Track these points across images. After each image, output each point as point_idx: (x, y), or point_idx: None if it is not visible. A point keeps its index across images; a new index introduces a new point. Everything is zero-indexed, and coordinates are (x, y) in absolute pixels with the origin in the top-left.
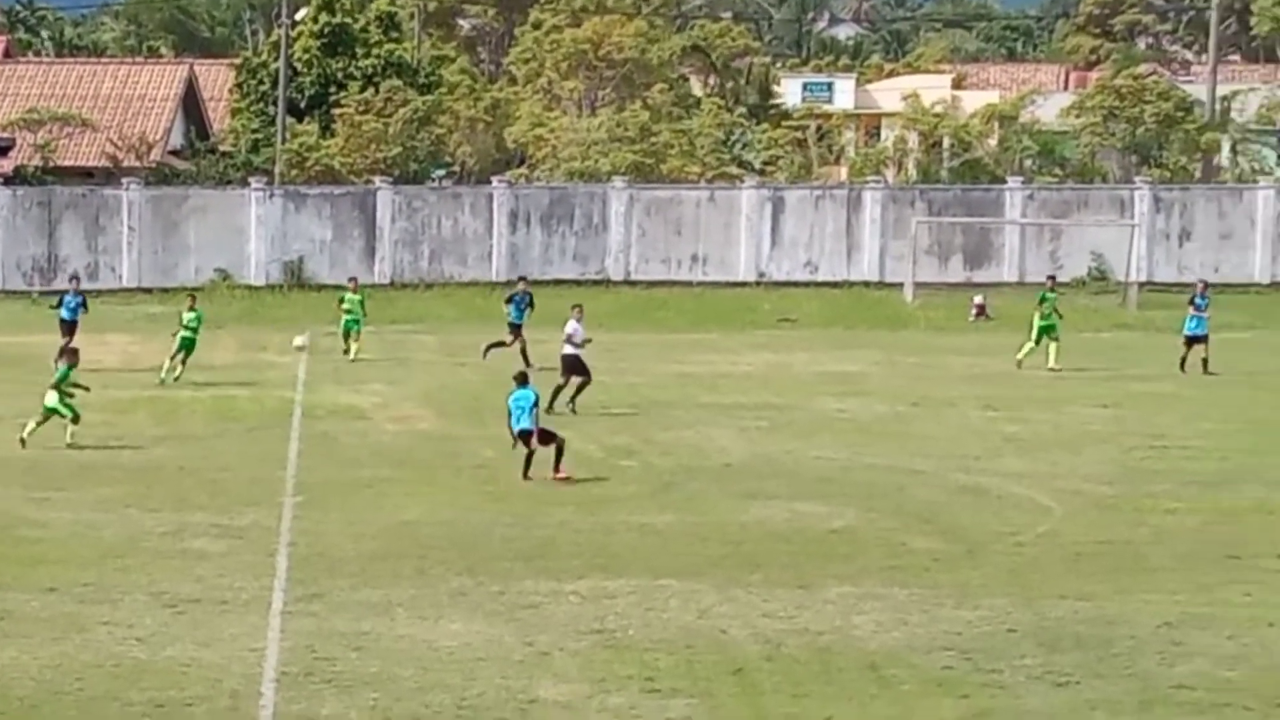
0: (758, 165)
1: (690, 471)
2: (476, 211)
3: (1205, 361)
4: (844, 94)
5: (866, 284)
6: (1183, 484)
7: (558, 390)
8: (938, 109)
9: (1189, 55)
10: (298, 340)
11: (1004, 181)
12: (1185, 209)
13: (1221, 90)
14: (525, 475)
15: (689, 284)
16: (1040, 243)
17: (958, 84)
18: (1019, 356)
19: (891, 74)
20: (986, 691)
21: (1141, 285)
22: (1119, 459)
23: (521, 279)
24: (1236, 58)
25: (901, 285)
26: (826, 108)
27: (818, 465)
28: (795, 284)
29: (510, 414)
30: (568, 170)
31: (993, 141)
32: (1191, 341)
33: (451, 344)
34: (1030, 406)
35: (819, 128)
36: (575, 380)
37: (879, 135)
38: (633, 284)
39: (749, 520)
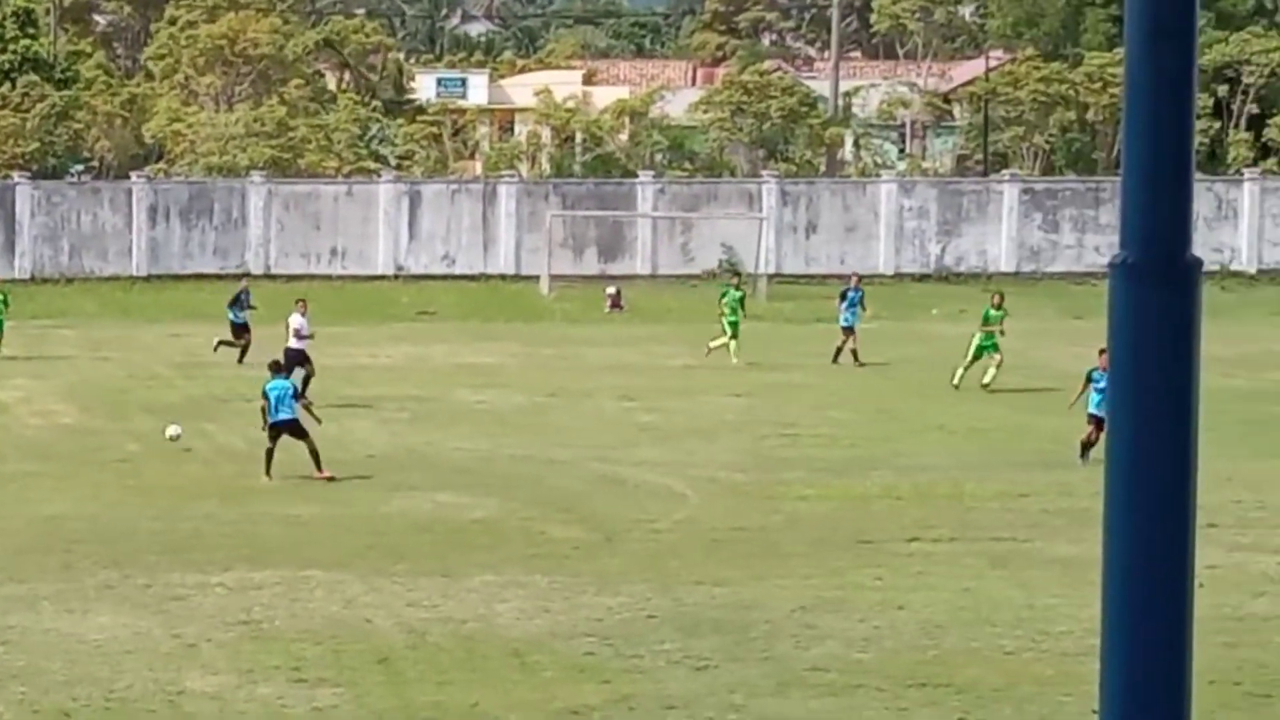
0: (394, 160)
1: (333, 464)
2: (116, 206)
3: (855, 352)
4: (478, 89)
5: (503, 277)
6: (814, 471)
7: (244, 346)
8: (569, 104)
9: (812, 52)
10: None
11: (635, 175)
12: (811, 202)
13: (844, 86)
14: (268, 474)
15: (329, 278)
16: (672, 235)
17: (589, 80)
18: (711, 345)
19: (524, 70)
20: (628, 676)
21: (770, 277)
22: (752, 447)
23: (246, 275)
24: (858, 54)
25: (538, 278)
26: (461, 103)
27: (458, 456)
28: (433, 277)
29: (270, 403)
30: (206, 165)
31: (624, 136)
32: (846, 333)
33: (93, 339)
34: (665, 396)
35: (454, 123)
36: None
37: (513, 130)
38: (273, 278)
39: (392, 511)
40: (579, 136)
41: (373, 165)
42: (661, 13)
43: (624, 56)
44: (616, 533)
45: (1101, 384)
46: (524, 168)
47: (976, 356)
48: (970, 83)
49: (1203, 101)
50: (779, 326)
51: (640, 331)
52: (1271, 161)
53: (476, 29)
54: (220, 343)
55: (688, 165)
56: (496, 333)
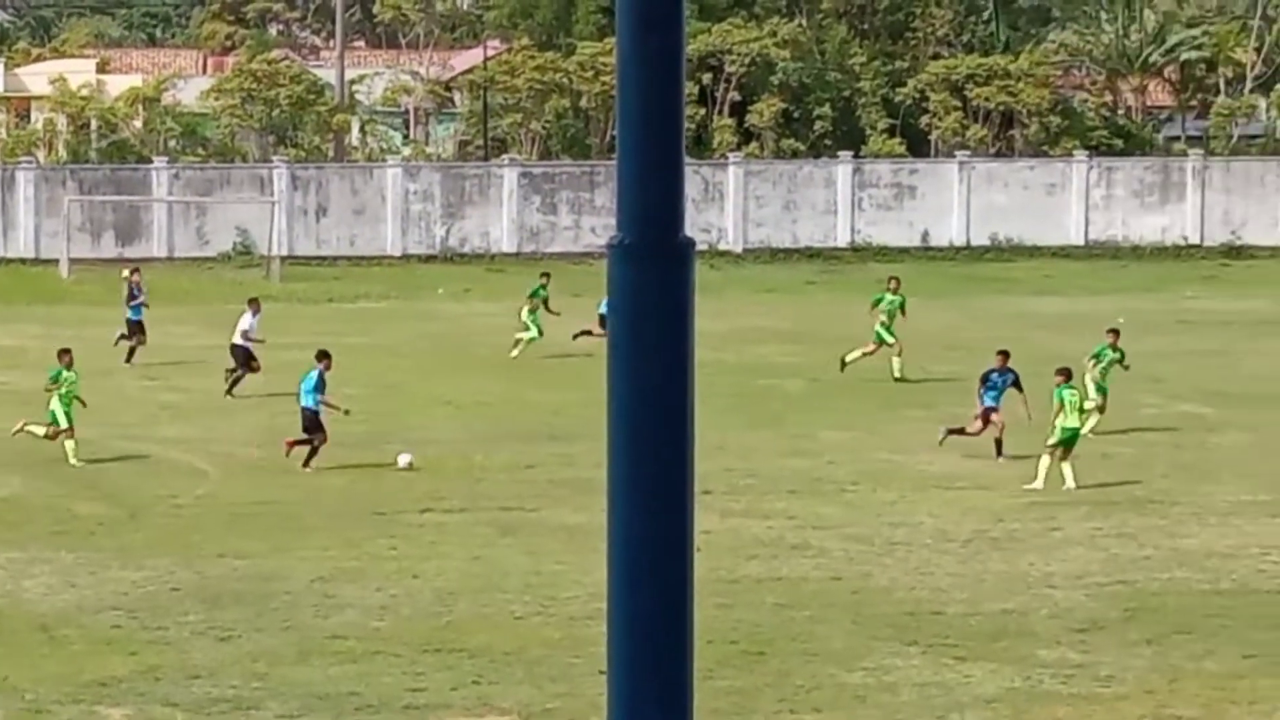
0: None
1: None
2: None
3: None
4: None
5: (23, 261)
6: (331, 446)
7: (235, 378)
8: (84, 92)
9: (318, 41)
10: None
11: (150, 161)
12: (321, 186)
13: (350, 74)
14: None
15: None
16: (188, 219)
17: (102, 68)
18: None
19: (39, 59)
20: (154, 648)
21: (284, 259)
22: (269, 424)
23: (134, 270)
24: (362, 43)
25: (57, 261)
26: None
27: None
28: None
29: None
30: None
31: (138, 123)
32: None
33: None
34: (185, 375)
35: None
36: (237, 368)
37: (29, 118)
38: None
39: None
40: (94, 124)
41: None
42: (172, 3)
43: (137, 46)
44: (140, 509)
45: (999, 385)
46: (41, 154)
47: (879, 342)
48: (469, 71)
49: (689, 89)
50: (293, 306)
51: (160, 313)
52: (754, 146)
53: None
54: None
55: (201, 151)
56: (18, 315)
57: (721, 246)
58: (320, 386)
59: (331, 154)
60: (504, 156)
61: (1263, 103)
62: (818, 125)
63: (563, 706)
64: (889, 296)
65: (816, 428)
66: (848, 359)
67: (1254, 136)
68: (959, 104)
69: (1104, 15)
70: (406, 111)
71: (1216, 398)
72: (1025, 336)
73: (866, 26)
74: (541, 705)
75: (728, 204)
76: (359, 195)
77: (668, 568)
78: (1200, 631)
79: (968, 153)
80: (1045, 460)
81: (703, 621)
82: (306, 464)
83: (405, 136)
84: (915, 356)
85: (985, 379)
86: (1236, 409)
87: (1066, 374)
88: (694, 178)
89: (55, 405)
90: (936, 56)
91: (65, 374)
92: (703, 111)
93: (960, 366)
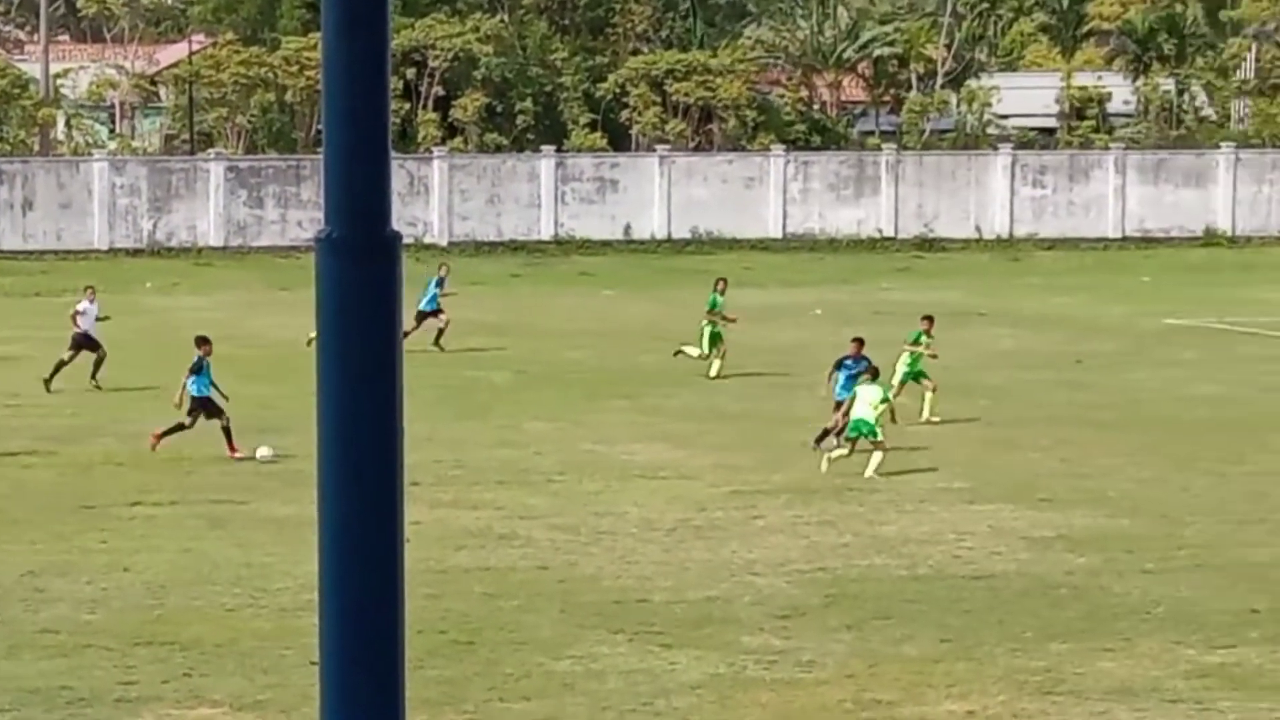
0: None
1: None
2: None
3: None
4: None
5: None
6: (38, 439)
7: (60, 365)
8: None
9: (22, 35)
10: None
11: None
12: (27, 180)
13: (54, 68)
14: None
15: None
16: None
17: None
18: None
19: None
20: None
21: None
22: None
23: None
24: (66, 37)
25: None
26: None
27: None
28: None
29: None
30: None
31: None
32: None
33: None
34: None
35: None
36: (84, 355)
37: None
38: None
39: None
40: None
41: None
42: None
43: None
44: None
45: (853, 370)
46: None
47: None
48: (175, 65)
49: (394, 84)
50: (13, 301)
51: None
52: (458, 140)
53: None
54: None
55: None
56: None
57: (427, 240)
58: (205, 371)
59: (37, 148)
60: (210, 150)
61: (954, 98)
62: (520, 120)
63: (274, 698)
64: (718, 298)
65: (523, 419)
66: (711, 375)
67: (945, 131)
68: (659, 99)
69: (799, 12)
70: (112, 106)
71: (908, 389)
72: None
73: (567, 22)
74: (253, 697)
75: (433, 198)
76: (65, 189)
77: (378, 559)
78: (898, 616)
79: (668, 147)
80: (878, 456)
81: (413, 612)
82: (161, 438)
83: (111, 131)
84: (618, 348)
85: (839, 365)
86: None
87: (874, 372)
88: (399, 172)
89: None
90: (636, 52)
91: None
92: (407, 106)
93: (663, 358)
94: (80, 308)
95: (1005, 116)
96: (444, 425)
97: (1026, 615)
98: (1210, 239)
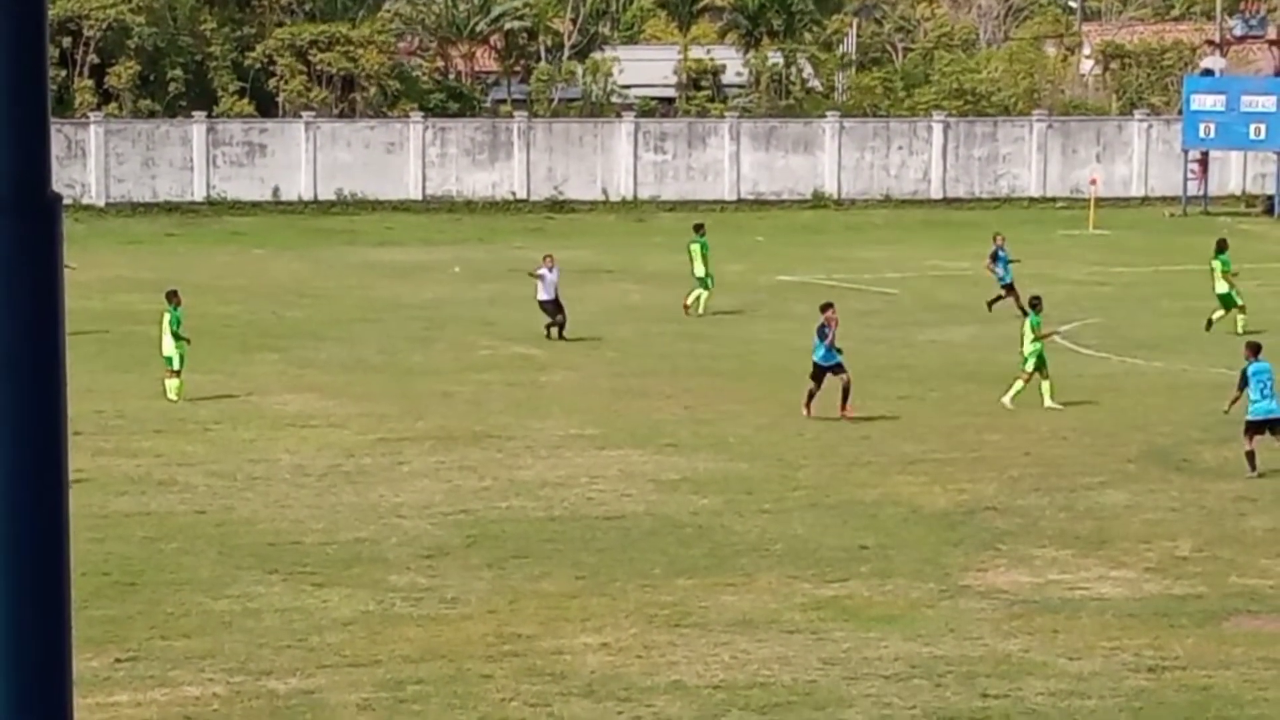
0: None
1: None
2: None
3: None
4: None
5: None
6: None
7: None
8: None
9: None
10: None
11: None
12: None
13: None
14: None
15: None
16: None
17: None
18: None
19: None
20: None
21: None
22: None
23: None
24: None
25: None
26: None
27: None
28: None
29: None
30: None
31: None
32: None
33: None
34: None
35: None
36: None
37: None
38: None
39: None
40: None
41: None
42: None
43: None
44: None
45: (827, 336)
46: None
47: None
48: None
49: (51, 52)
50: None
51: None
52: (113, 106)
53: None
54: None
55: None
56: None
57: (85, 201)
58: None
59: None
60: None
61: (579, 69)
62: (172, 87)
63: None
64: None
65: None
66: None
67: (572, 100)
68: (304, 68)
69: None
70: None
71: (540, 341)
72: (370, 284)
73: None
74: None
75: (90, 161)
76: None
77: (44, 507)
78: (536, 555)
79: (313, 114)
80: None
81: (77, 555)
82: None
83: None
84: (269, 304)
85: (820, 331)
86: (564, 352)
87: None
88: (58, 136)
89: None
90: (281, 24)
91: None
92: (64, 73)
93: (311, 313)
94: None
95: (628, 87)
96: (104, 376)
97: (655, 553)
98: (818, 202)
